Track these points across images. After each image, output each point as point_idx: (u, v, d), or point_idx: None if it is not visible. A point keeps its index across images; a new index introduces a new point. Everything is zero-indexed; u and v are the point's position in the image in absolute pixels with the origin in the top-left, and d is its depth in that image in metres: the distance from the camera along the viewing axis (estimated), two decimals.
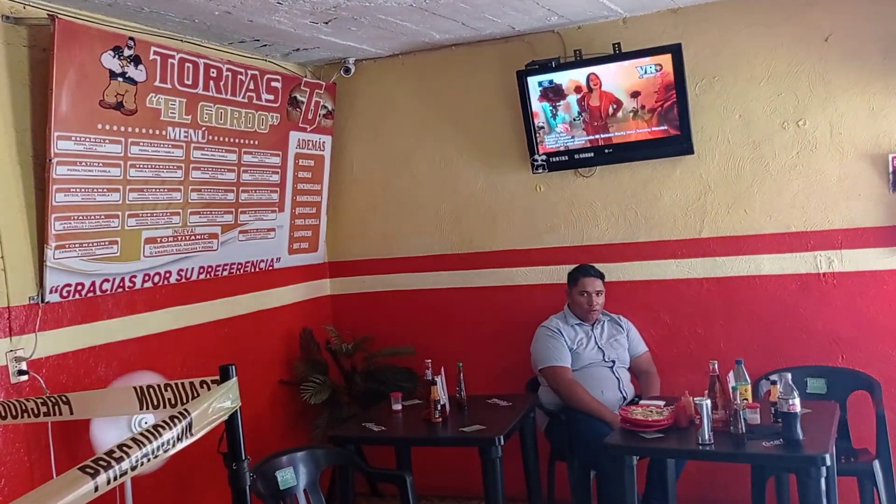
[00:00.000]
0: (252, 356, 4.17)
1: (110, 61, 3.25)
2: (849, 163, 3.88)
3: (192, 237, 3.81)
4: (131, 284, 3.51)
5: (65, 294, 3.20)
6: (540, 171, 4.32)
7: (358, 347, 4.51)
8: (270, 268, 4.40)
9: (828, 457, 2.74)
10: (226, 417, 2.19)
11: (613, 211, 4.30)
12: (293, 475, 3.10)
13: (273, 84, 4.17)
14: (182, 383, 2.15)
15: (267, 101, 4.14)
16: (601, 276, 4.02)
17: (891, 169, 3.80)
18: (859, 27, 3.81)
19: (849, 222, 3.89)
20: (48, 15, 3.05)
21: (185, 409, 1.97)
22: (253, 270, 4.27)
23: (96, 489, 1.64)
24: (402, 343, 4.49)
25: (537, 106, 4.24)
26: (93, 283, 3.31)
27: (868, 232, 3.86)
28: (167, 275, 3.69)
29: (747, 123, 4.04)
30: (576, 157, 4.24)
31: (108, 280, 3.38)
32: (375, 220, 4.79)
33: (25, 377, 3.05)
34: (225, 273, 4.06)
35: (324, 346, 4.57)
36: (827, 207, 3.93)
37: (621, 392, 3.86)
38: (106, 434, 2.99)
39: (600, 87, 4.13)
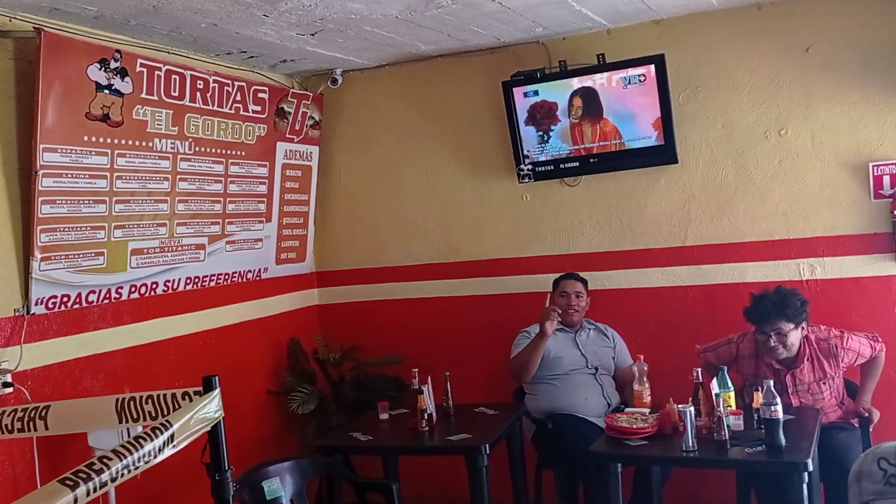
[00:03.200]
0: (240, 366, 4.17)
1: (96, 73, 3.26)
2: (830, 171, 3.93)
3: (179, 248, 3.82)
4: (118, 296, 3.51)
5: (50, 306, 3.20)
6: (526, 180, 4.35)
7: (345, 357, 4.52)
8: (258, 278, 4.41)
9: (809, 462, 2.77)
10: (208, 428, 2.20)
11: (599, 220, 4.34)
12: (280, 485, 3.11)
13: (260, 95, 4.19)
14: (163, 394, 2.16)
15: (254, 112, 4.16)
16: (583, 281, 4.06)
17: (871, 177, 3.85)
18: (839, 38, 3.86)
19: (831, 230, 3.94)
20: (34, 28, 3.06)
21: (168, 421, 1.98)
22: (240, 281, 4.28)
23: (76, 501, 1.65)
24: (390, 352, 4.50)
25: (525, 130, 4.27)
26: (79, 295, 3.32)
27: (850, 239, 3.91)
28: (154, 286, 3.70)
29: (730, 133, 4.09)
30: (561, 166, 4.27)
31: (94, 291, 3.38)
32: (363, 230, 4.81)
33: (10, 389, 3.04)
34: (212, 283, 4.07)
35: (312, 355, 4.58)
36: (809, 215, 3.97)
37: (605, 398, 3.88)
38: (102, 441, 3.00)
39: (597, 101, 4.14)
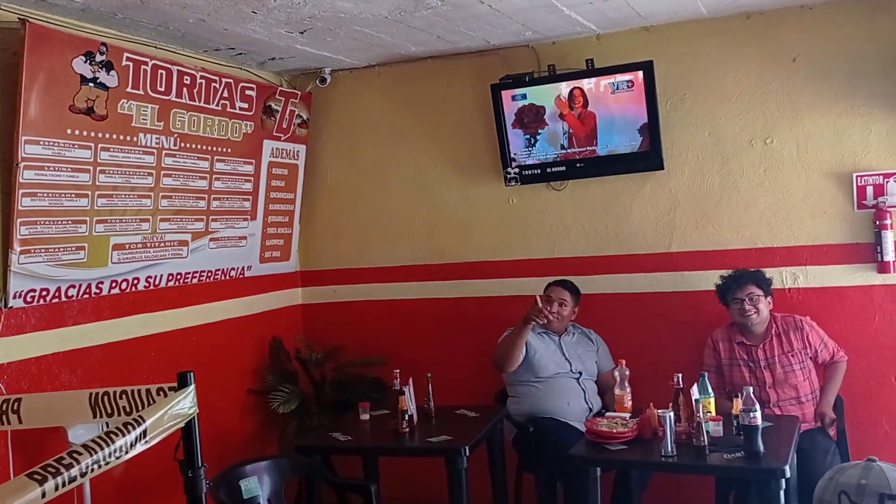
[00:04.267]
0: (221, 364, 4.14)
1: (81, 66, 3.24)
2: (814, 181, 3.95)
3: (162, 244, 3.79)
4: (98, 291, 3.48)
5: (29, 299, 3.17)
6: (512, 183, 4.35)
7: (328, 357, 4.50)
8: (241, 276, 4.38)
9: (787, 469, 2.77)
10: (182, 424, 2.18)
11: (584, 224, 4.34)
12: (257, 484, 3.09)
13: (247, 92, 4.17)
14: (137, 390, 2.14)
15: (241, 109, 4.14)
16: (573, 290, 4.04)
17: (855, 187, 3.87)
18: (826, 49, 3.89)
19: (814, 239, 3.96)
20: (19, 19, 3.03)
21: (140, 416, 1.96)
22: (224, 278, 4.25)
23: (44, 495, 1.63)
24: (373, 353, 4.49)
25: (512, 133, 4.28)
26: (58, 289, 3.29)
27: (832, 249, 3.93)
28: (135, 281, 3.67)
29: (716, 140, 4.10)
30: (548, 170, 4.27)
31: (73, 286, 3.35)
32: (348, 230, 4.80)
33: None
34: (195, 280, 4.04)
35: (294, 355, 4.56)
36: (793, 224, 3.99)
37: (587, 403, 3.88)
38: (83, 437, 2.97)
39: (584, 106, 4.16)
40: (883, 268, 3.80)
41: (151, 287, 3.77)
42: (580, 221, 4.34)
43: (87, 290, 3.43)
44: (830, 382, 3.69)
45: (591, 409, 3.84)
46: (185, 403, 2.16)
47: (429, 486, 4.07)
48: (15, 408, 2.15)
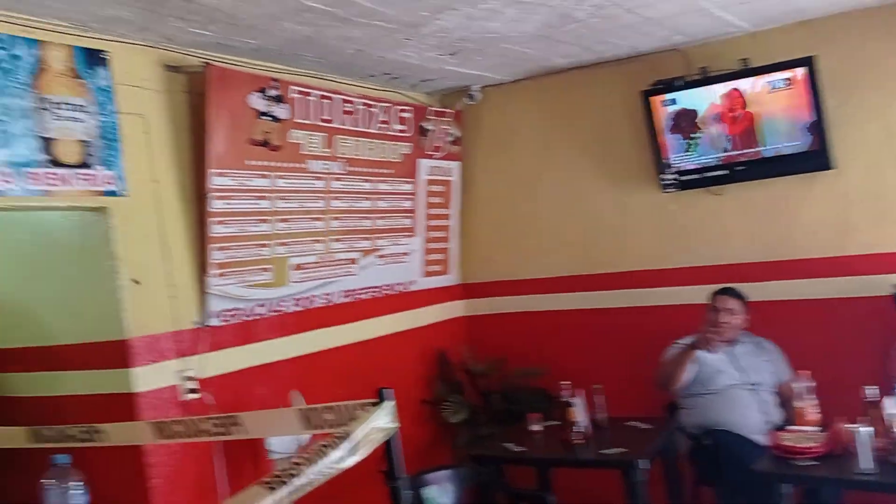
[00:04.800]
0: (393, 376, 4.25)
1: (257, 101, 3.48)
2: None
3: (335, 263, 4.00)
4: (282, 308, 3.71)
5: (225, 318, 3.43)
6: (670, 189, 4.29)
7: (492, 368, 4.58)
8: (406, 290, 4.55)
9: None
10: (385, 438, 2.29)
11: (748, 229, 4.21)
12: (439, 493, 3.19)
13: (403, 115, 4.34)
14: (342, 405, 2.27)
15: (398, 131, 4.32)
16: (739, 296, 3.92)
17: None
18: None
19: None
20: (203, 62, 3.30)
21: (348, 431, 2.09)
22: (390, 293, 4.42)
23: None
24: (535, 364, 4.52)
25: (670, 138, 4.22)
26: (250, 308, 3.54)
27: None
28: (313, 298, 3.89)
29: (891, 135, 3.88)
30: (708, 174, 4.18)
31: (261, 304, 3.60)
32: (504, 243, 4.87)
33: (195, 396, 3.28)
34: (364, 296, 4.23)
35: (459, 366, 4.67)
36: None
37: (764, 415, 3.73)
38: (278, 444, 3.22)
39: (743, 107, 4.06)
40: None
41: (327, 304, 3.98)
42: (743, 226, 4.22)
43: (274, 308, 3.67)
44: None
45: (770, 422, 3.68)
46: (385, 418, 2.27)
47: (602, 497, 4.05)
48: (238, 422, 2.34)
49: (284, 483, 1.93)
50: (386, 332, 4.37)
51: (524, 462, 3.76)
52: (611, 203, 4.55)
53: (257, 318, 3.60)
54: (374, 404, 2.37)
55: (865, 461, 2.78)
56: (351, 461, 2.18)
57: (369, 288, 4.26)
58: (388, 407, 2.40)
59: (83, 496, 1.92)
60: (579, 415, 3.57)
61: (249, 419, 2.33)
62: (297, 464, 2.04)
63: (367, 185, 4.16)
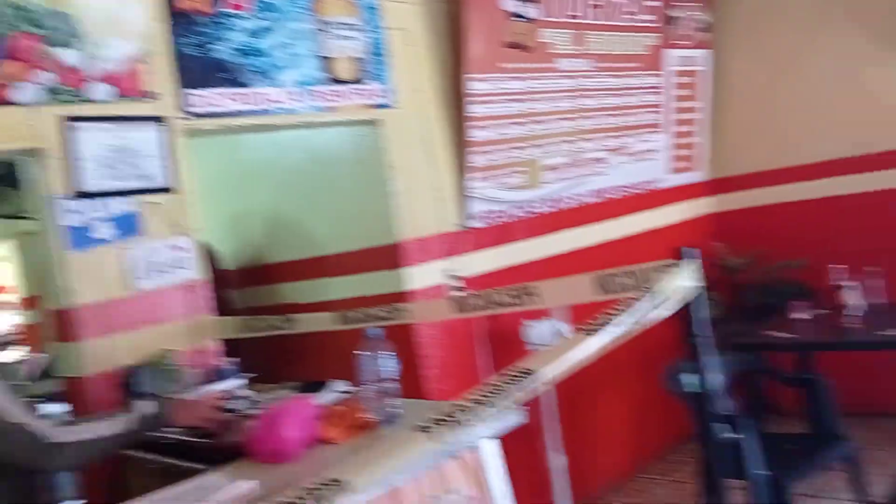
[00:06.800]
0: None
1: (509, 1, 3.48)
2: None
3: (584, 163, 4.01)
4: (535, 210, 3.81)
5: (484, 220, 3.59)
6: None
7: (748, 263, 4.42)
8: (655, 188, 4.47)
9: None
10: (689, 298, 2.21)
11: None
12: (699, 380, 3.17)
13: (648, 3, 4.15)
14: (640, 268, 2.20)
15: (645, 21, 4.15)
16: None
17: None
18: None
19: None
20: None
21: (653, 286, 2.05)
22: (639, 192, 4.38)
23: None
24: (795, 256, 4.29)
25: None
26: (504, 210, 3.67)
27: None
28: (564, 199, 3.95)
29: None
30: None
31: (518, 206, 3.72)
32: (762, 131, 4.60)
33: (461, 294, 3.48)
34: (613, 195, 4.22)
35: (708, 262, 4.55)
36: None
37: None
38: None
39: None
40: None
41: (578, 204, 4.03)
42: None
43: (527, 210, 3.77)
44: None
45: None
46: (689, 277, 2.17)
47: (875, 383, 3.84)
48: (533, 291, 2.37)
49: (602, 329, 1.94)
50: (634, 231, 4.33)
51: (791, 348, 3.55)
52: (891, 72, 4.10)
53: (513, 219, 3.72)
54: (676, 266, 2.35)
55: None
56: (660, 314, 2.12)
57: (618, 187, 4.24)
58: (692, 266, 2.34)
59: (395, 363, 2.16)
60: (852, 298, 3.35)
61: (544, 287, 2.37)
62: (609, 314, 2.04)
63: (614, 81, 4.07)
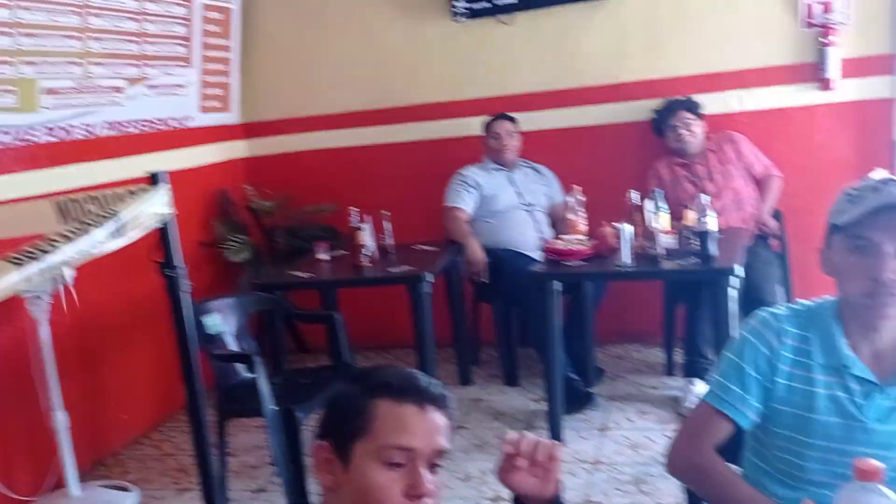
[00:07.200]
0: None
1: None
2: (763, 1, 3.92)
3: (96, 90, 3.59)
4: (32, 138, 3.30)
5: None
6: (461, 18, 4.22)
7: (279, 206, 4.42)
8: (182, 126, 4.22)
9: (736, 268, 2.88)
10: (159, 224, 2.14)
11: (534, 58, 4.26)
12: (220, 321, 3.07)
13: None
14: (107, 193, 2.06)
15: None
16: (512, 119, 4.04)
17: (802, 5, 3.86)
18: None
19: (760, 61, 3.97)
20: None
21: (114, 209, 1.91)
22: (164, 128, 4.09)
23: (26, 280, 1.60)
24: (325, 201, 4.42)
25: None
26: None
27: (778, 70, 3.97)
28: (70, 129, 3.50)
29: None
30: (497, 2, 4.15)
31: (6, 132, 3.17)
32: (291, 78, 4.62)
33: None
34: (134, 130, 3.88)
35: (242, 206, 4.47)
36: (740, 47, 3.98)
37: (540, 234, 3.93)
38: None
39: None
40: (825, 85, 3.86)
41: (88, 136, 3.60)
42: (530, 55, 4.25)
43: (21, 137, 3.25)
44: (766, 194, 3.80)
45: (544, 240, 3.86)
46: (160, 201, 2.11)
47: (388, 319, 4.14)
48: None
49: (35, 259, 1.73)
50: (161, 170, 4.02)
51: (310, 286, 3.71)
52: (401, 34, 4.42)
53: (1, 147, 3.17)
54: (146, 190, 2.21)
55: (626, 255, 2.99)
56: (116, 244, 2.01)
57: (139, 121, 3.90)
58: (163, 190, 2.23)
59: None
60: (367, 239, 3.55)
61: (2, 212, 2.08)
62: (52, 240, 1.84)
63: (131, 3, 3.71)
